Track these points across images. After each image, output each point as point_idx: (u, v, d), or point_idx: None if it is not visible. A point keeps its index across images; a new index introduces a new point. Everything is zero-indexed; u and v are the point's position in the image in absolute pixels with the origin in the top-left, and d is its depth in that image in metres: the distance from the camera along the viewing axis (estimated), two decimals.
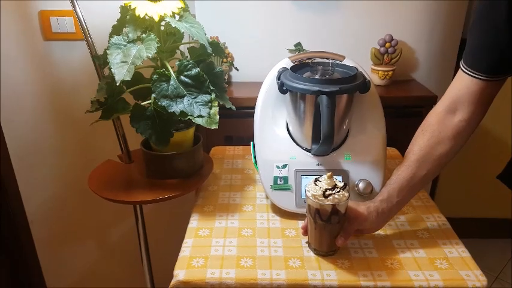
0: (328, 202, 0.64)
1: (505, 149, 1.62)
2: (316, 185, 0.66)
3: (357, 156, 0.82)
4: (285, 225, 0.78)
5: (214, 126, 0.77)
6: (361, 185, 0.79)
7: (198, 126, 0.82)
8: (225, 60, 1.30)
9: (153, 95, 0.76)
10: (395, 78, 1.36)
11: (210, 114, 0.77)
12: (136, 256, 1.13)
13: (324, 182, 0.65)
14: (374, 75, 1.31)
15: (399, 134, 1.26)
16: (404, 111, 1.24)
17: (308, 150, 0.83)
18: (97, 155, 1.15)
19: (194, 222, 0.80)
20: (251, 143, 0.88)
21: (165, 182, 0.89)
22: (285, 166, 0.83)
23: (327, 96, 0.72)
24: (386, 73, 1.29)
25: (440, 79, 1.44)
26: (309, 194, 0.66)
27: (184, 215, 0.89)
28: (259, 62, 1.32)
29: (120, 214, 1.37)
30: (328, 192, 0.64)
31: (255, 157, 0.86)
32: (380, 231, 0.76)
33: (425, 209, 0.84)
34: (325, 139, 0.73)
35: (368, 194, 0.79)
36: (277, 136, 0.86)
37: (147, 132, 0.80)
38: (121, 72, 0.72)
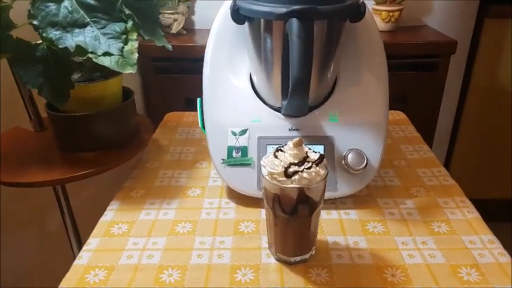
0: (292, 184, 0.42)
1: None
2: (276, 157, 0.44)
3: (347, 116, 0.60)
4: (241, 216, 0.57)
5: (130, 70, 0.54)
6: (350, 157, 0.57)
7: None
8: None
9: (35, 22, 0.53)
10: (403, 24, 1.12)
11: (123, 52, 0.54)
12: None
13: (288, 153, 0.44)
14: (376, 17, 1.07)
15: (408, 91, 1.03)
16: (414, 63, 1.00)
17: (278, 110, 0.61)
18: (12, 120, 0.93)
19: (110, 213, 0.59)
20: (198, 99, 0.65)
21: (80, 155, 0.68)
22: (244, 132, 0.61)
23: (298, 20, 0.49)
24: (391, 14, 1.05)
25: (458, 25, 1.20)
26: (264, 172, 0.44)
27: None
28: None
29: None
30: (292, 168, 0.42)
31: (202, 119, 0.64)
32: (378, 224, 0.55)
33: (442, 190, 0.62)
34: (296, 87, 0.50)
35: (360, 169, 0.57)
36: (235, 89, 0.63)
37: (37, 82, 0.58)
38: None
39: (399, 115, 0.90)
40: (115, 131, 0.69)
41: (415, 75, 1.00)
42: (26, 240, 1.26)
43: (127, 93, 0.73)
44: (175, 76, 1.02)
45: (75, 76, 0.65)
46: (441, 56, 0.98)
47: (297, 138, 0.43)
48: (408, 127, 0.85)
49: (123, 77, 0.69)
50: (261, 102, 0.63)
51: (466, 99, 1.38)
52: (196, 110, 0.72)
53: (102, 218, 0.58)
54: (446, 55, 0.98)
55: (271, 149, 0.59)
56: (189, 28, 1.13)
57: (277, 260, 0.49)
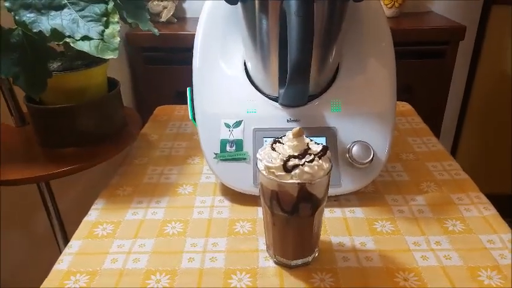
0: (292, 180, 0.38)
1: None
2: (274, 150, 0.40)
3: (351, 106, 0.57)
4: (236, 216, 0.53)
5: (111, 55, 0.50)
6: (355, 150, 0.53)
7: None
8: None
9: (7, 4, 0.48)
10: (407, 10, 1.08)
11: (103, 35, 0.49)
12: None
13: (287, 145, 0.40)
14: None
15: (413, 81, 0.99)
16: (420, 51, 0.96)
17: (275, 100, 0.57)
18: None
19: (94, 213, 0.55)
20: (188, 89, 0.61)
21: (63, 150, 0.64)
22: (238, 124, 0.57)
23: None
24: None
25: (465, 12, 1.16)
26: (260, 166, 0.40)
27: None
28: None
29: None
30: (292, 162, 0.38)
31: (192, 110, 0.60)
32: (387, 222, 0.51)
33: (455, 185, 0.59)
34: (295, 71, 0.46)
35: (366, 163, 0.53)
36: (228, 77, 0.59)
37: (12, 71, 0.53)
38: None
39: (404, 106, 0.86)
40: (100, 124, 0.65)
41: (421, 64, 0.96)
42: (10, 242, 1.22)
43: (112, 84, 0.68)
44: (165, 67, 0.97)
45: (55, 65, 0.61)
46: (449, 42, 0.93)
47: (297, 128, 0.39)
48: (415, 118, 0.81)
49: (107, 66, 0.65)
50: (256, 91, 0.59)
51: (472, 88, 1.34)
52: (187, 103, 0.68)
53: (86, 218, 0.54)
54: (454, 41, 0.94)
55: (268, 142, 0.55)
56: (179, 16, 1.08)
57: (276, 263, 0.45)
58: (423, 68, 0.96)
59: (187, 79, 0.96)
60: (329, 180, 0.40)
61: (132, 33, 1.02)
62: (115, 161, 0.68)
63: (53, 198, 0.82)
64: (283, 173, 0.38)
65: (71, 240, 0.50)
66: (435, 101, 1.00)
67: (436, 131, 1.07)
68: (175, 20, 1.03)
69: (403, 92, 0.97)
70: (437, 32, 0.93)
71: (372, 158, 0.53)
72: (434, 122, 1.01)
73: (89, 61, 0.62)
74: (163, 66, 0.99)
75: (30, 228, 1.21)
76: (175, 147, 0.72)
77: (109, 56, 0.49)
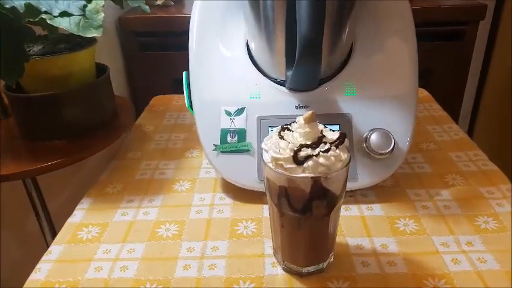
0: (304, 173, 0.32)
1: None
2: (282, 138, 0.34)
3: (367, 89, 0.51)
4: (239, 215, 0.48)
5: (94, 33, 0.44)
6: (374, 139, 0.47)
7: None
8: None
9: None
10: None
11: (85, 11, 0.44)
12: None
13: (298, 132, 0.34)
14: None
15: (429, 65, 0.93)
16: (436, 32, 0.90)
17: (282, 84, 0.52)
18: None
19: (79, 213, 0.49)
20: (184, 73, 0.56)
21: (48, 144, 0.59)
22: (240, 111, 0.51)
23: None
24: None
25: None
26: (266, 158, 0.34)
27: None
28: None
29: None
30: (304, 152, 0.32)
31: (189, 97, 0.54)
32: (410, 221, 0.46)
33: (483, 177, 0.53)
34: (305, 48, 0.40)
35: (387, 154, 0.47)
36: (228, 60, 0.54)
37: None
38: None
39: (422, 92, 0.80)
40: (87, 114, 0.60)
41: (437, 46, 0.90)
42: (9, 241, 1.17)
43: (102, 70, 0.63)
44: (161, 53, 0.92)
45: (36, 49, 0.56)
46: (468, 22, 0.87)
47: (309, 112, 0.34)
48: (433, 105, 0.76)
49: (94, 49, 0.59)
50: (260, 74, 0.53)
51: (487, 73, 1.27)
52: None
53: (69, 220, 0.48)
54: (473, 22, 0.87)
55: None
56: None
57: (285, 270, 0.40)
58: (439, 51, 0.90)
59: (184, 66, 0.89)
60: (347, 173, 0.35)
61: (125, 16, 0.96)
62: (111, 156, 0.63)
63: (41, 197, 0.77)
64: (294, 166, 0.32)
65: (52, 244, 0.45)
66: (453, 86, 0.94)
67: (454, 119, 1.01)
68: (172, 2, 0.97)
69: (418, 77, 0.91)
70: (456, 11, 0.86)
71: (393, 147, 0.47)
72: (452, 110, 0.95)
73: (74, 44, 0.56)
74: (159, 52, 0.94)
75: (26, 229, 1.17)
76: (173, 139, 0.67)
77: (92, 34, 0.44)
